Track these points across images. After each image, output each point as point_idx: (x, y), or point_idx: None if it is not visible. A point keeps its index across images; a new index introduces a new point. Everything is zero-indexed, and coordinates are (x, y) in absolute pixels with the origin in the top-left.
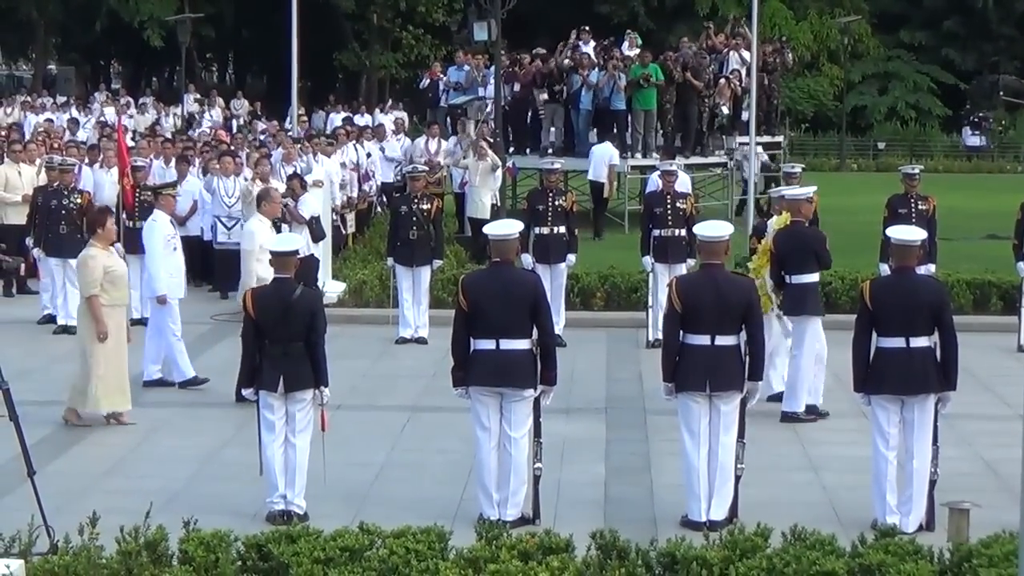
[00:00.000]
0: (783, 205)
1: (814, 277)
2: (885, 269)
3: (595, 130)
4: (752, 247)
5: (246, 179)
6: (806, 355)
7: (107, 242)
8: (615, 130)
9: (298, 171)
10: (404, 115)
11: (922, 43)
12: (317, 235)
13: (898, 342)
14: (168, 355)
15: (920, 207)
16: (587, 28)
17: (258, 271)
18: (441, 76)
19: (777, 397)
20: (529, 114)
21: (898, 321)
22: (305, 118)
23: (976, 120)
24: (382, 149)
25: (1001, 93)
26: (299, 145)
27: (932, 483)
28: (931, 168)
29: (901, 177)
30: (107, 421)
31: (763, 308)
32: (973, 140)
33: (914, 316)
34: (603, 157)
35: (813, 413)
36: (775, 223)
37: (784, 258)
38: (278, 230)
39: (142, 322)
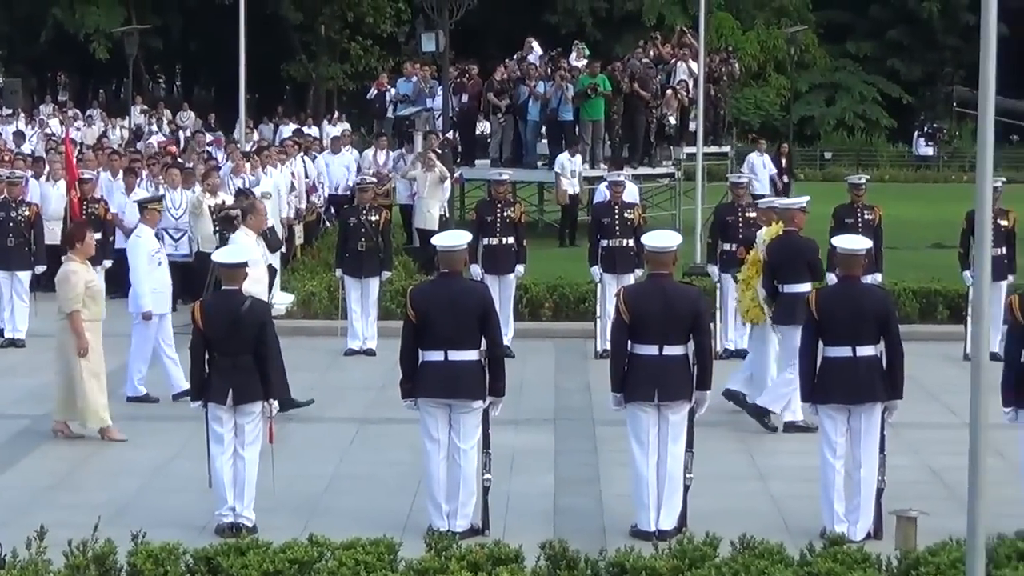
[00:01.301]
0: (771, 216)
1: (806, 287)
2: (832, 278)
3: (545, 141)
4: (740, 257)
5: (194, 191)
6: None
7: (85, 256)
8: (563, 141)
9: (246, 183)
10: (347, 127)
11: (868, 53)
12: (273, 245)
13: (844, 351)
14: (162, 371)
15: (866, 217)
16: (531, 40)
17: (245, 284)
18: (388, 87)
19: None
20: (478, 125)
21: (844, 330)
22: (250, 130)
23: (930, 131)
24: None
25: (955, 104)
26: (249, 159)
27: (879, 491)
28: (877, 178)
29: (847, 187)
30: (101, 436)
31: (756, 319)
32: (925, 150)
33: (860, 325)
34: (572, 167)
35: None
36: (765, 233)
37: (777, 267)
38: (225, 242)
39: None
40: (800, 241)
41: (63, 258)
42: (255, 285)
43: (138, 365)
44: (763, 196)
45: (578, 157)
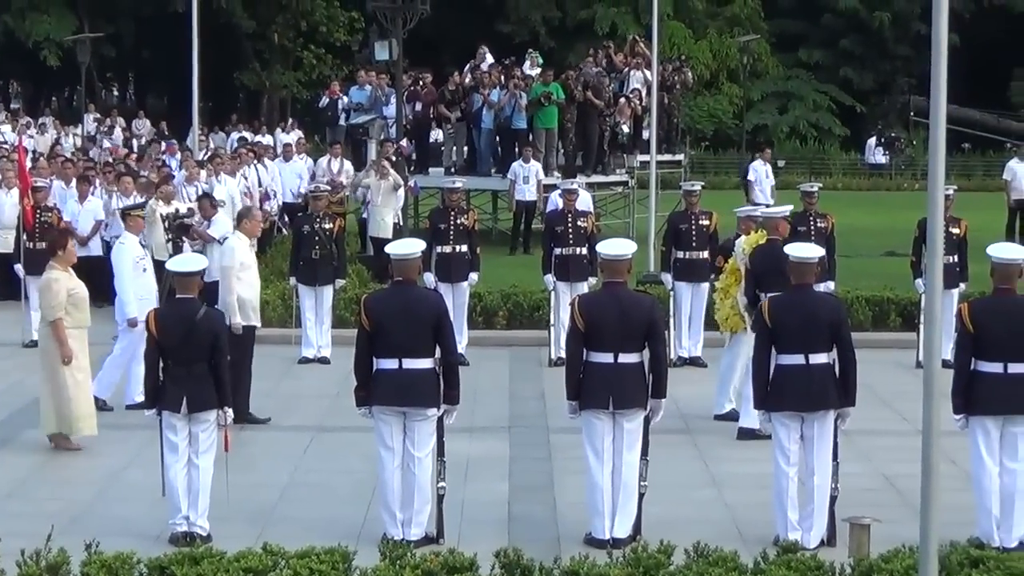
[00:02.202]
0: (749, 224)
1: None
2: None
3: (502, 149)
4: (719, 266)
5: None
6: None
7: (68, 264)
8: (516, 149)
9: (200, 191)
10: (300, 134)
11: (820, 62)
12: None
13: (797, 359)
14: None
15: (819, 224)
16: (484, 48)
17: (239, 289)
18: (340, 95)
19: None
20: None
21: (797, 338)
22: (203, 137)
23: (888, 140)
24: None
25: (912, 114)
26: (203, 166)
27: (833, 499)
28: (830, 186)
29: (800, 195)
30: (51, 441)
31: (735, 328)
32: (878, 158)
33: (813, 333)
34: (532, 174)
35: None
36: (744, 242)
37: (760, 276)
38: (178, 250)
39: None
40: (783, 250)
41: (47, 265)
42: (250, 290)
43: (112, 371)
44: (766, 204)
45: (534, 163)
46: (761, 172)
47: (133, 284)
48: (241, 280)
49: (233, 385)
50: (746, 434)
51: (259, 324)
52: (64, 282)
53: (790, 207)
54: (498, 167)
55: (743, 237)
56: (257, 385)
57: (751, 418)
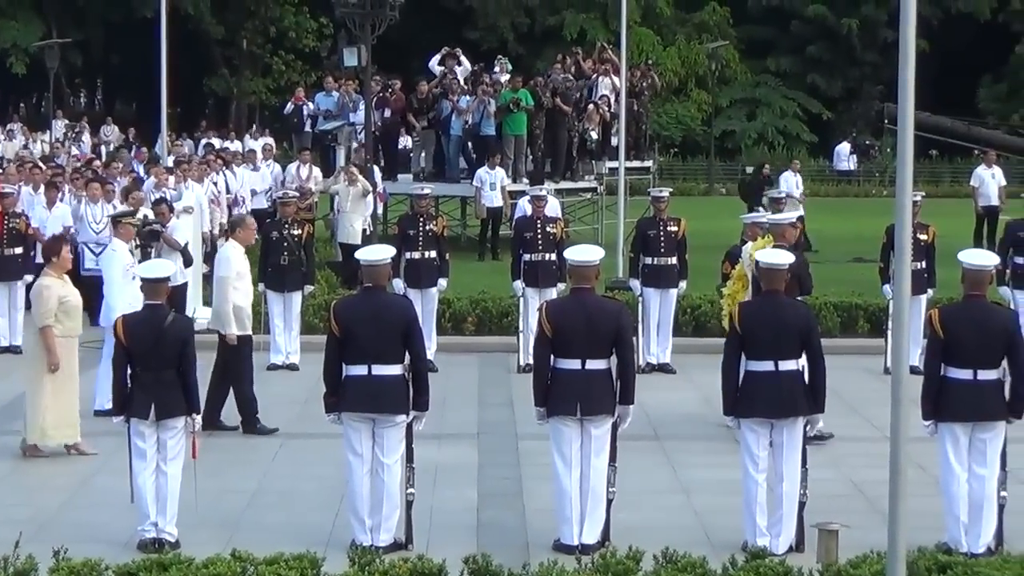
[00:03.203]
0: (755, 231)
1: None
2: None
3: (475, 155)
4: (725, 272)
5: (115, 207)
6: None
7: (61, 271)
8: (485, 155)
9: (168, 198)
10: (271, 141)
11: (788, 69)
12: (188, 261)
13: (767, 365)
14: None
15: None
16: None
17: (235, 298)
18: (306, 101)
19: None
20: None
21: (767, 344)
22: (179, 143)
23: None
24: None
25: (886, 122)
26: (172, 172)
27: (801, 505)
28: None
29: (768, 201)
30: (68, 451)
31: None
32: (846, 164)
33: (782, 339)
34: (498, 181)
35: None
36: (751, 248)
37: None
38: (147, 256)
39: (10, 350)
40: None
41: (41, 272)
42: (244, 299)
43: (107, 380)
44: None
45: (499, 170)
46: (792, 183)
47: (123, 291)
48: (237, 289)
49: (220, 394)
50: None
51: (252, 332)
52: (56, 289)
53: (798, 213)
54: (469, 173)
55: (750, 243)
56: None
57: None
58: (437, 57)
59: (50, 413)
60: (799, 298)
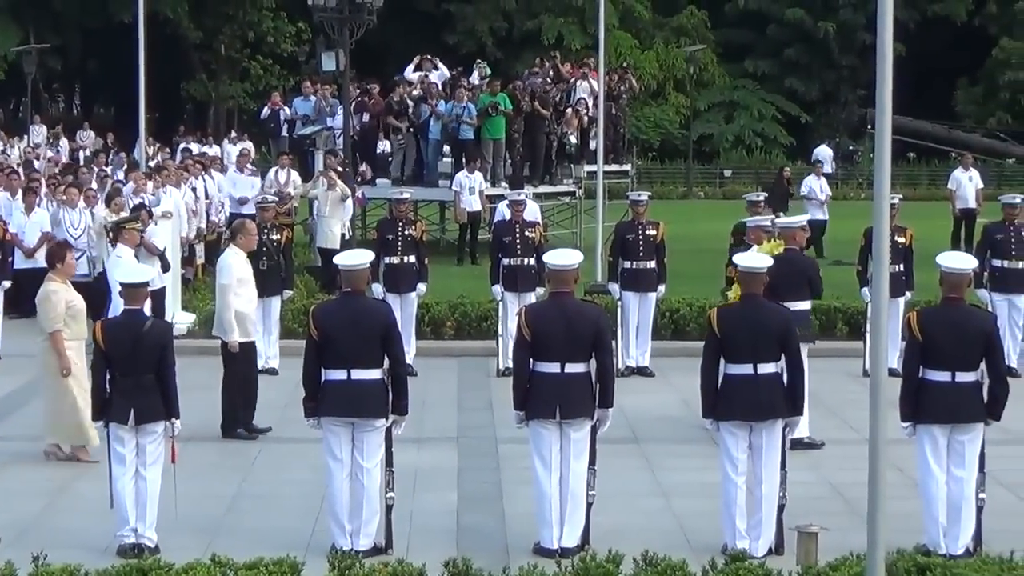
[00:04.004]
0: (760, 234)
1: (806, 304)
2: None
3: (451, 160)
4: (730, 276)
5: (93, 212)
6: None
7: (66, 276)
8: (463, 160)
9: (146, 202)
10: (250, 145)
11: (766, 72)
12: (166, 266)
13: (746, 369)
14: None
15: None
16: (424, 57)
17: (236, 304)
18: (283, 106)
19: None
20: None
21: (745, 348)
22: (166, 150)
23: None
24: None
25: (869, 127)
26: (151, 177)
27: (780, 507)
28: None
29: (746, 204)
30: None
31: None
32: (823, 168)
33: (761, 343)
34: (476, 185)
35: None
36: (757, 251)
37: (777, 285)
38: None
39: None
40: (801, 259)
41: (45, 278)
42: (248, 305)
43: None
44: (821, 220)
45: (478, 174)
46: (816, 187)
47: None
48: (239, 296)
49: (245, 400)
50: (800, 444)
51: (255, 339)
52: (63, 294)
53: (807, 216)
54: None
55: (755, 247)
56: (205, 396)
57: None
58: (412, 66)
59: (82, 413)
60: (809, 301)
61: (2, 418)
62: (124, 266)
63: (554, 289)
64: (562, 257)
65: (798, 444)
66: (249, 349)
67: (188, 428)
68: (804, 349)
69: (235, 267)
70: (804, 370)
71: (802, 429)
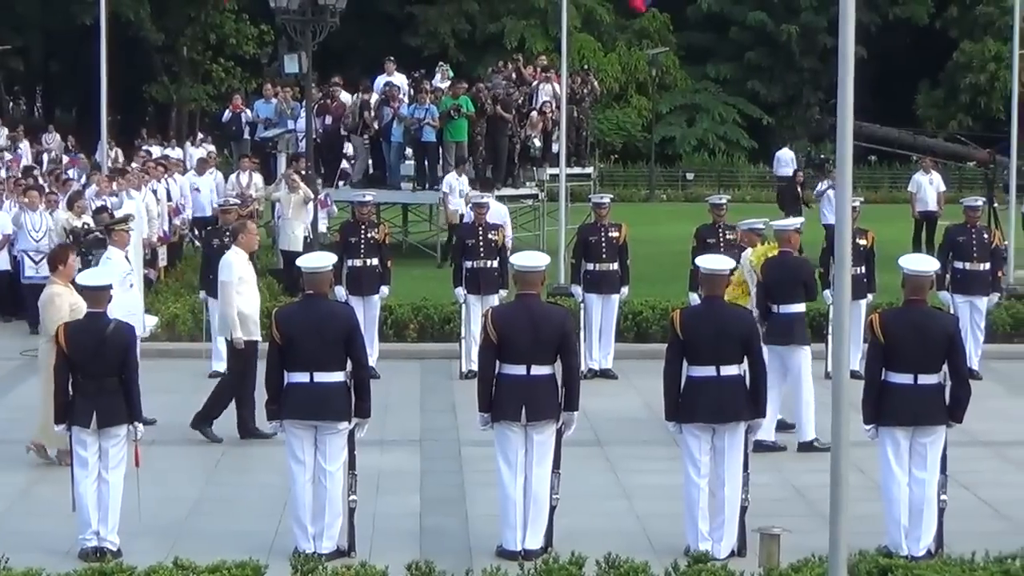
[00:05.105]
0: (752, 237)
1: (801, 307)
2: (695, 298)
3: (413, 163)
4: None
5: (54, 215)
6: (805, 383)
7: (68, 278)
8: (425, 162)
9: (108, 205)
10: (212, 148)
11: (728, 75)
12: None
13: (709, 371)
14: None
15: (728, 237)
16: (392, 58)
17: (239, 303)
18: (244, 109)
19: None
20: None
21: (708, 350)
22: (144, 152)
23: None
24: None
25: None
26: (114, 179)
27: (743, 509)
28: (739, 198)
29: (709, 207)
30: (59, 462)
31: None
32: (784, 170)
33: (724, 345)
34: (465, 187)
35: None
36: (752, 254)
37: (772, 287)
38: (87, 264)
39: None
40: (796, 262)
41: (47, 281)
42: (250, 304)
43: None
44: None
45: (464, 177)
46: (828, 193)
47: (119, 299)
48: (241, 294)
49: (239, 401)
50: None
51: (260, 338)
52: (66, 297)
53: (801, 220)
54: (419, 181)
55: (749, 249)
56: (168, 399)
57: (765, 431)
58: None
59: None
60: (804, 304)
61: None
62: (93, 271)
63: (521, 291)
64: (529, 259)
65: (807, 447)
66: (251, 349)
67: (151, 431)
68: (803, 352)
69: (236, 266)
70: (766, 372)
71: (808, 432)
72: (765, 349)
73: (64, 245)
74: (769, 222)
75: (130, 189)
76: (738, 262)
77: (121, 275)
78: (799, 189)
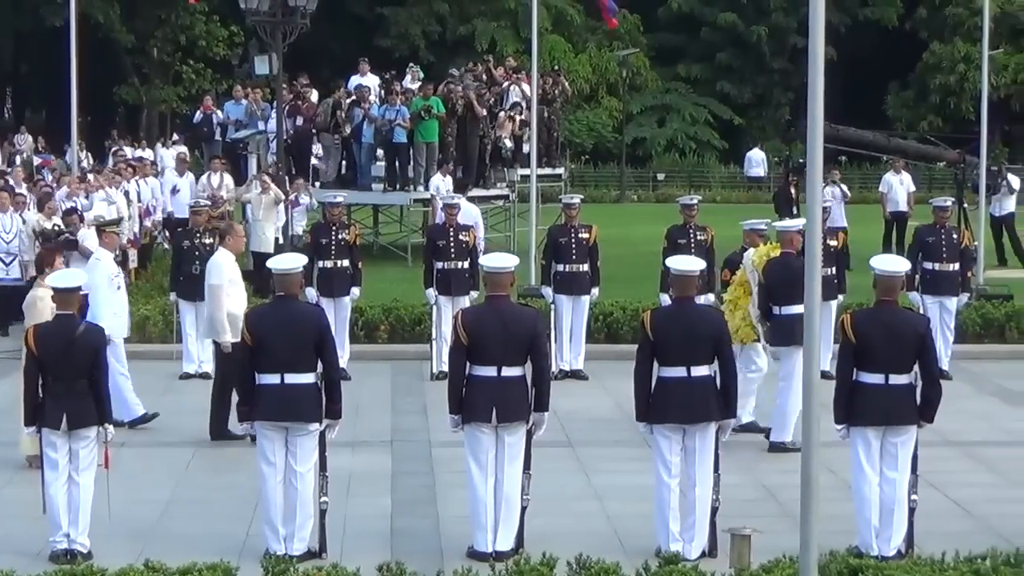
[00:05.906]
0: (755, 238)
1: (800, 308)
2: (665, 299)
3: (384, 164)
4: (724, 279)
5: (24, 216)
6: (795, 385)
7: None
8: (396, 163)
9: (78, 207)
10: (184, 149)
11: (699, 76)
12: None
13: (679, 372)
14: (116, 395)
15: (699, 237)
16: (366, 59)
17: (228, 305)
18: (214, 110)
19: (744, 428)
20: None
21: (679, 351)
22: (122, 152)
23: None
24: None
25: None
26: (85, 181)
27: (714, 510)
28: (709, 199)
29: (680, 208)
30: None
31: (746, 339)
32: (755, 171)
33: (694, 346)
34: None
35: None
36: (754, 255)
37: (774, 289)
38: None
39: None
40: (799, 263)
41: (34, 283)
42: (239, 306)
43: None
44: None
45: (448, 178)
46: (828, 193)
47: (108, 301)
48: (230, 296)
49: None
50: (777, 448)
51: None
52: (48, 301)
53: (803, 220)
54: (390, 181)
55: (751, 250)
56: (139, 400)
57: (783, 432)
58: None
59: None
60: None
61: None
62: (64, 273)
63: (491, 292)
64: (498, 260)
65: (779, 448)
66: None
67: (121, 433)
68: (801, 353)
69: (225, 267)
70: (737, 373)
71: (786, 434)
72: (770, 351)
73: (50, 248)
74: (771, 223)
75: (102, 189)
76: (710, 263)
77: (110, 276)
78: (792, 191)
